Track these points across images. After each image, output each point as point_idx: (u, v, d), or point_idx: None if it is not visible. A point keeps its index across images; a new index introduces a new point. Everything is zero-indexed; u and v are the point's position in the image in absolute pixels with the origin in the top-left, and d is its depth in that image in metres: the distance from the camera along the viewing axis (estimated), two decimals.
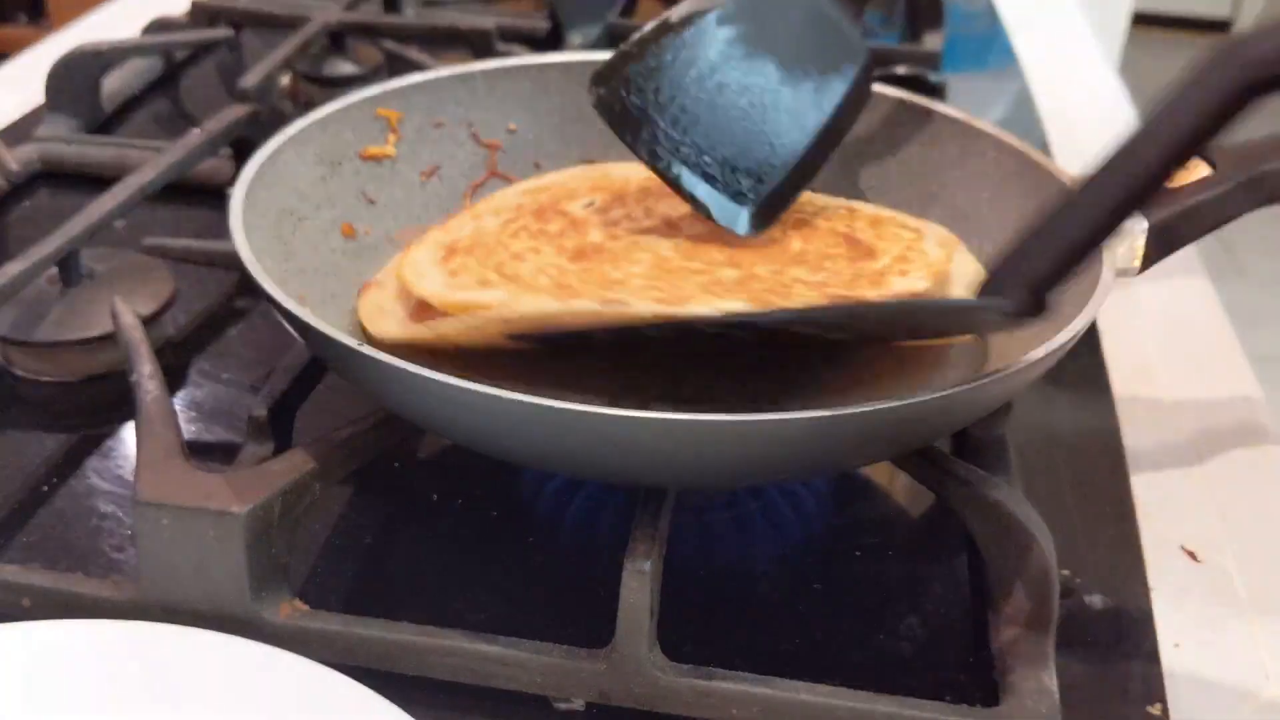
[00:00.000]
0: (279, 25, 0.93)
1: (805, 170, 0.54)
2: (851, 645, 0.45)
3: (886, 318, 0.45)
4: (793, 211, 0.55)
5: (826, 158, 0.55)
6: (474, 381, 0.39)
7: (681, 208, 0.55)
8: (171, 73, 0.93)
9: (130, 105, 0.88)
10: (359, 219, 0.57)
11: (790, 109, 0.53)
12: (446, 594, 0.47)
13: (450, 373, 0.40)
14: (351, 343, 0.42)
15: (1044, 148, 0.85)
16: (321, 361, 0.51)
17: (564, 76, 0.64)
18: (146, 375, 0.48)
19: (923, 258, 0.51)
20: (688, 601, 0.46)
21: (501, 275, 0.49)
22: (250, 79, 0.77)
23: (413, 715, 0.38)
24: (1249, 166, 0.52)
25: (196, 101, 0.90)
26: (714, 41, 0.53)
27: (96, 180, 0.74)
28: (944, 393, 0.40)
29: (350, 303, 0.53)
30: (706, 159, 0.53)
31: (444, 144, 0.62)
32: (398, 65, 0.85)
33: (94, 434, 0.55)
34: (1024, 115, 0.93)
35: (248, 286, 0.64)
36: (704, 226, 0.54)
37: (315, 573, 0.48)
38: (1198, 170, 0.52)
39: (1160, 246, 0.52)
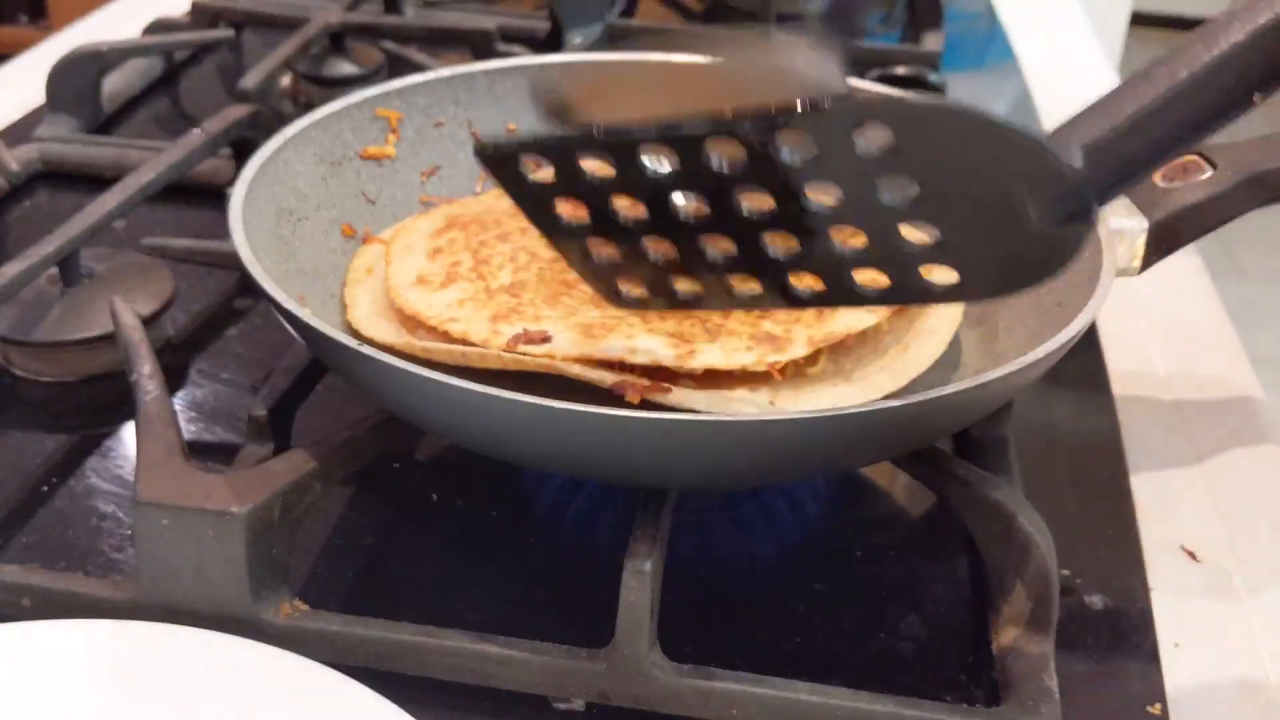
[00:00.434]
0: (279, 25, 0.93)
1: None
2: (851, 645, 0.45)
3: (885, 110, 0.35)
4: None
5: None
6: (474, 382, 0.39)
7: None
8: (171, 73, 0.93)
9: (130, 105, 0.88)
10: (359, 219, 0.57)
11: None
12: (446, 594, 0.47)
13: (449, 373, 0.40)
14: (351, 343, 0.42)
15: None
16: (321, 362, 0.51)
17: (564, 76, 0.64)
18: (146, 375, 0.48)
19: None
20: (688, 601, 0.46)
21: (475, 259, 0.51)
22: (250, 79, 0.77)
23: (413, 715, 0.38)
24: (1249, 166, 0.52)
25: (196, 101, 0.90)
26: None
27: (96, 180, 0.74)
28: (944, 393, 0.40)
29: None
30: None
31: (444, 144, 0.62)
32: (398, 65, 0.85)
33: (94, 434, 0.55)
34: (1023, 114, 0.93)
35: (248, 286, 0.64)
36: None
37: (315, 573, 0.48)
38: (1198, 170, 0.52)
39: (1160, 246, 0.52)
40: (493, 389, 0.39)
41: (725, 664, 0.42)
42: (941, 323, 0.52)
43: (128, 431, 0.55)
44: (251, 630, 0.42)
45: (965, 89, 0.93)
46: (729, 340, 0.46)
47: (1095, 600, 0.47)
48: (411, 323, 0.50)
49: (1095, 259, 0.49)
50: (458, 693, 0.43)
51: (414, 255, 0.53)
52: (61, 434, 0.55)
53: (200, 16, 0.95)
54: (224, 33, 0.94)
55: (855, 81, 0.58)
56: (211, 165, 0.74)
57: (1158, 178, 0.53)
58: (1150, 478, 0.55)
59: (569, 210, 0.40)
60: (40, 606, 0.44)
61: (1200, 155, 0.53)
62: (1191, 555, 0.51)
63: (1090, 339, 0.64)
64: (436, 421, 0.44)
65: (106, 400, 0.57)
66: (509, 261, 0.51)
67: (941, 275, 0.37)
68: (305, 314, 0.43)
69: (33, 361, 0.58)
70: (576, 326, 0.46)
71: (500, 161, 0.39)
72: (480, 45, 0.89)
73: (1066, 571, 0.48)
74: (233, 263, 0.48)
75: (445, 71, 0.63)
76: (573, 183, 0.39)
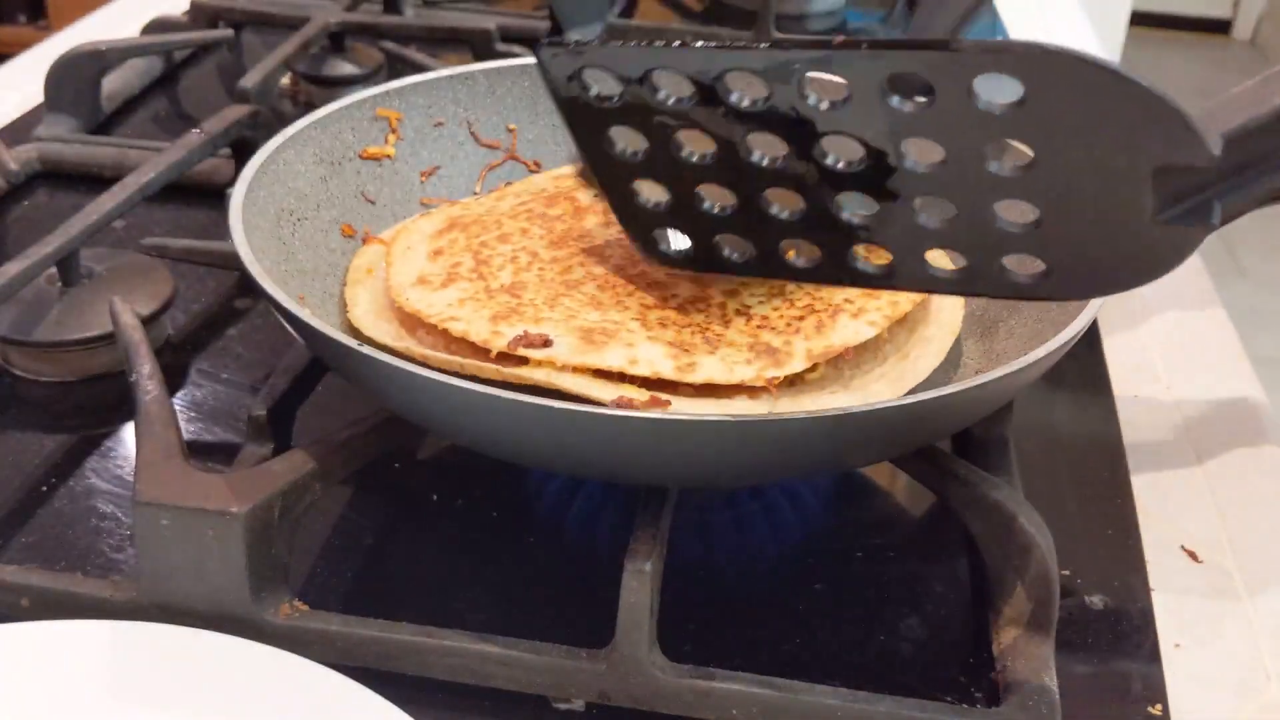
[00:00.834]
0: (279, 25, 0.93)
1: None
2: (851, 645, 0.45)
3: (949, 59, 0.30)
4: None
5: None
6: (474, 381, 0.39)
7: None
8: (171, 73, 0.93)
9: (130, 105, 0.88)
10: (359, 219, 0.57)
11: None
12: (446, 594, 0.47)
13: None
14: (351, 343, 0.42)
15: None
16: (321, 361, 0.51)
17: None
18: (146, 375, 0.48)
19: (890, 296, 0.50)
20: (688, 601, 0.46)
21: (476, 260, 0.51)
22: (250, 79, 0.77)
23: (413, 715, 0.38)
24: None
25: (196, 101, 0.90)
26: None
27: (96, 180, 0.74)
28: (944, 393, 0.40)
29: None
30: None
31: (444, 144, 0.62)
32: (398, 65, 0.85)
33: (94, 434, 0.55)
34: None
35: (248, 286, 0.64)
36: None
37: (315, 573, 0.47)
38: None
39: None
40: (493, 389, 0.39)
41: (725, 664, 0.42)
42: (941, 331, 0.52)
43: (127, 431, 0.55)
44: (251, 630, 0.42)
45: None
46: (729, 351, 0.46)
47: (1095, 600, 0.47)
48: (411, 323, 0.50)
49: None
50: (458, 693, 0.42)
51: (414, 256, 0.53)
52: (61, 434, 0.55)
53: (199, 16, 0.95)
54: (223, 32, 0.94)
55: None
56: (211, 165, 0.74)
57: None
58: (1150, 478, 0.55)
59: (626, 139, 0.36)
60: (40, 607, 0.44)
61: None
62: (1192, 555, 0.51)
63: (1090, 339, 0.64)
64: (437, 421, 0.44)
65: (106, 400, 0.57)
66: (510, 262, 0.51)
67: (1025, 265, 0.34)
68: (305, 314, 0.43)
69: (32, 361, 0.58)
70: (577, 330, 0.46)
71: (559, 67, 0.35)
72: (480, 45, 0.89)
73: (1067, 572, 0.48)
74: (233, 263, 0.48)
75: (445, 71, 0.63)
76: (639, 107, 0.34)
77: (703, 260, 0.39)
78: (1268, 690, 0.45)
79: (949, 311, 0.53)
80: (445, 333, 0.48)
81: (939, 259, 0.35)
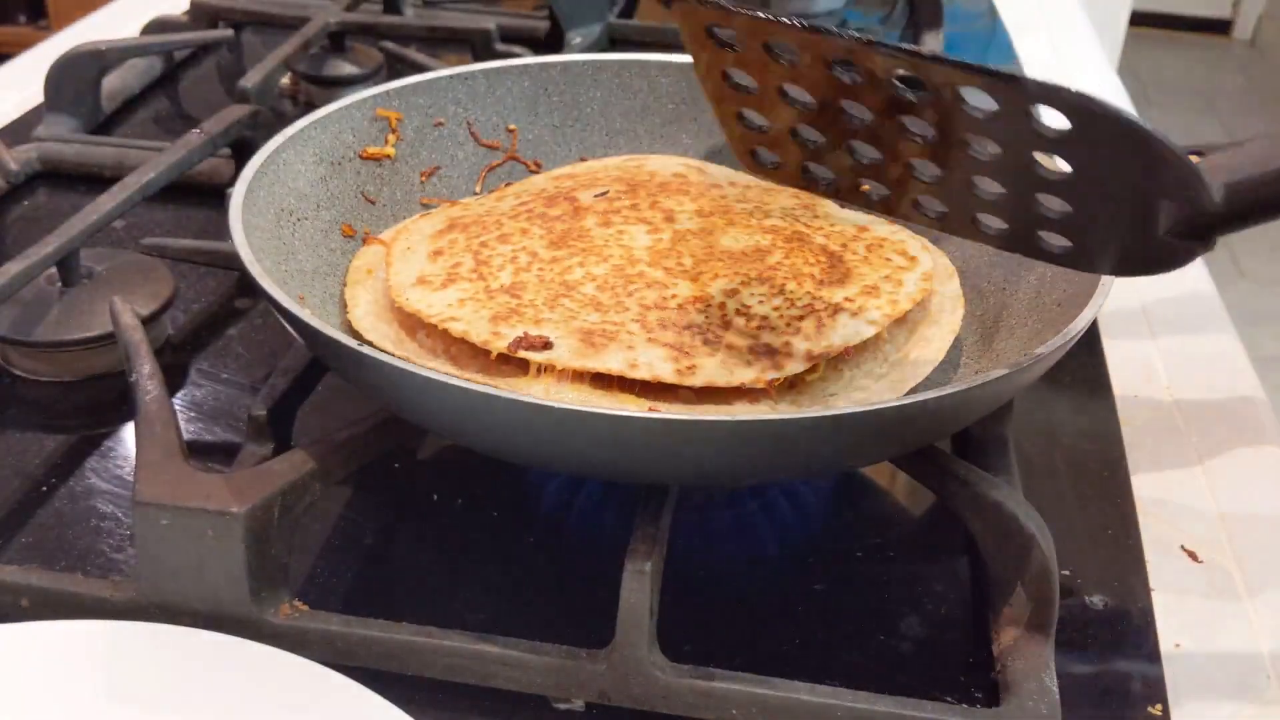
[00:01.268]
0: (279, 25, 0.93)
1: None
2: (851, 645, 0.45)
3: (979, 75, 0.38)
4: (800, 220, 0.55)
5: None
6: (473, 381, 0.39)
7: (686, 202, 0.55)
8: (171, 73, 0.93)
9: (130, 105, 0.88)
10: (359, 219, 0.57)
11: None
12: (446, 594, 0.47)
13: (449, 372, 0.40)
14: (351, 343, 0.42)
15: None
16: (321, 361, 0.51)
17: (564, 76, 0.64)
18: (146, 375, 0.48)
19: (890, 295, 0.50)
20: (688, 601, 0.46)
21: (476, 260, 0.51)
22: (250, 79, 0.77)
23: (413, 715, 0.38)
24: None
25: (196, 101, 0.90)
26: None
27: (96, 180, 0.74)
28: (944, 393, 0.40)
29: None
30: None
31: (444, 144, 0.62)
32: (398, 65, 0.85)
33: (94, 434, 0.55)
34: None
35: (248, 286, 0.64)
36: (701, 221, 0.54)
37: (315, 573, 0.47)
38: None
39: None
40: (493, 389, 0.39)
41: (725, 664, 0.42)
42: (941, 331, 0.52)
43: (128, 431, 0.55)
44: (251, 630, 0.42)
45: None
46: (728, 354, 0.46)
47: (1095, 600, 0.47)
48: (411, 323, 0.50)
49: None
50: (458, 693, 0.42)
51: (415, 256, 0.53)
52: (61, 434, 0.55)
53: (199, 16, 0.95)
54: (223, 32, 0.94)
55: None
56: (211, 165, 0.74)
57: None
58: (1150, 478, 0.55)
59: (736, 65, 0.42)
60: (39, 607, 0.44)
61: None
62: (1192, 555, 0.51)
63: (1090, 339, 0.64)
64: (437, 421, 0.44)
65: (106, 400, 0.57)
66: (510, 263, 0.51)
67: (1056, 240, 0.41)
68: (305, 314, 0.43)
69: (33, 361, 0.58)
70: (577, 332, 0.46)
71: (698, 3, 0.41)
72: (480, 45, 0.89)
73: (1067, 571, 0.48)
74: (233, 263, 0.48)
75: (445, 71, 0.63)
76: (757, 58, 0.41)
77: (791, 179, 0.45)
78: (1268, 690, 0.45)
79: (949, 312, 0.53)
80: (445, 333, 0.48)
81: (987, 218, 0.42)
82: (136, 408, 0.46)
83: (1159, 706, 0.43)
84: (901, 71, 0.39)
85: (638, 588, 0.40)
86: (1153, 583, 0.49)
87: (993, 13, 1.15)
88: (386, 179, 0.59)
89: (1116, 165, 0.38)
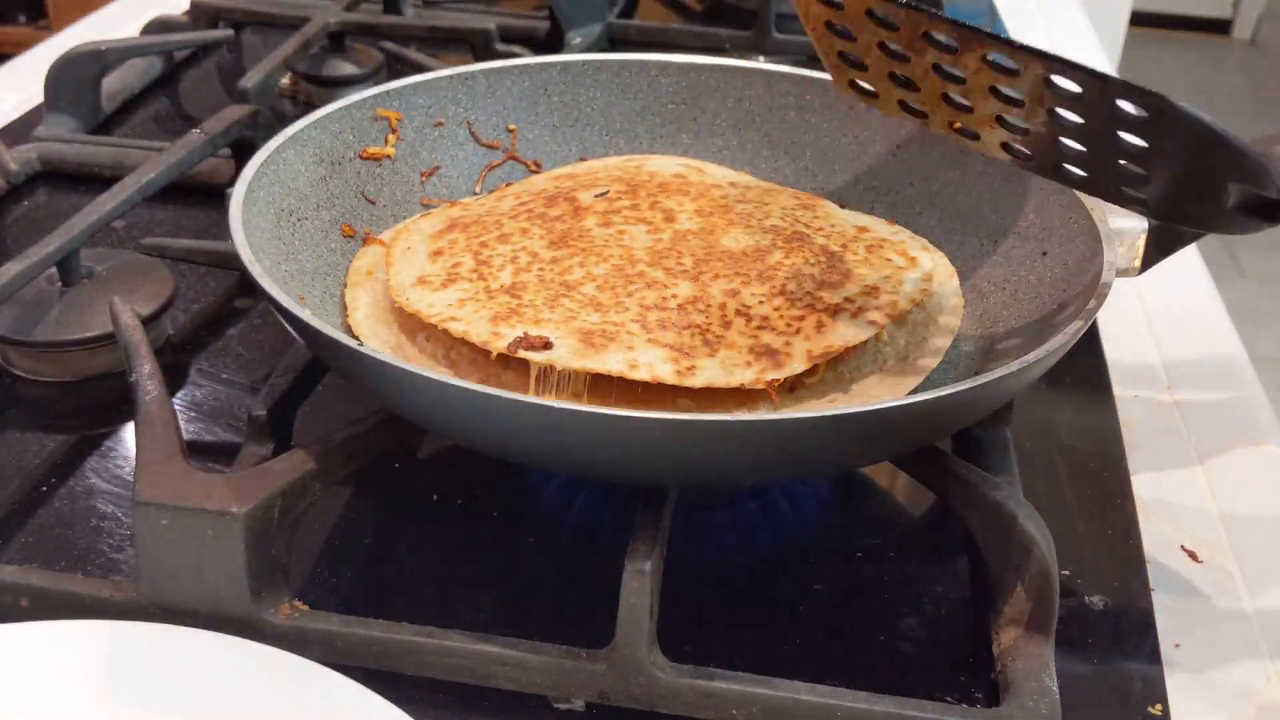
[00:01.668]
0: (279, 25, 0.93)
1: None
2: (851, 645, 0.45)
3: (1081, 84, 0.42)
4: (800, 220, 0.55)
5: None
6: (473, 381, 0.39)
7: (686, 202, 0.55)
8: (171, 73, 0.93)
9: (130, 105, 0.88)
10: (359, 219, 0.57)
11: None
12: (446, 594, 0.47)
13: (448, 372, 0.40)
14: (352, 343, 0.42)
15: None
16: (321, 361, 0.51)
17: (564, 76, 0.64)
18: (146, 375, 0.48)
19: (890, 296, 0.50)
20: (688, 601, 0.46)
21: (476, 260, 0.51)
22: (250, 79, 0.77)
23: (412, 715, 0.38)
24: None
25: (196, 101, 0.90)
26: None
27: (96, 180, 0.74)
28: (944, 393, 0.40)
29: None
30: None
31: (444, 144, 0.62)
32: (398, 65, 0.85)
33: (94, 434, 0.55)
34: None
35: (248, 286, 0.64)
36: (701, 221, 0.54)
37: (315, 573, 0.47)
38: None
39: (1160, 247, 0.52)
40: (493, 389, 0.39)
41: (725, 664, 0.42)
42: (941, 331, 0.52)
43: (128, 431, 0.55)
44: (251, 631, 0.42)
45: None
46: (729, 354, 0.46)
47: (1096, 600, 0.47)
48: (411, 324, 0.50)
49: (1096, 259, 0.49)
50: (458, 693, 0.42)
51: (415, 257, 0.53)
52: (61, 434, 0.55)
53: (199, 16, 0.95)
54: (223, 33, 0.94)
55: None
56: (211, 165, 0.74)
57: None
58: (1150, 478, 0.55)
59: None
60: (39, 607, 0.44)
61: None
62: (1192, 555, 0.51)
63: (1090, 339, 0.64)
64: (437, 421, 0.44)
65: (106, 400, 0.57)
66: (510, 263, 0.51)
67: (1130, 195, 0.45)
68: (305, 314, 0.43)
69: (33, 361, 0.58)
70: (577, 332, 0.46)
71: None
72: (480, 45, 0.89)
73: (1067, 572, 0.48)
74: (233, 263, 0.48)
75: (445, 71, 0.63)
76: (860, 16, 0.44)
77: (886, 107, 0.47)
78: (1268, 691, 0.45)
79: (948, 312, 0.53)
80: (445, 339, 0.48)
81: (1070, 168, 0.45)
82: (136, 408, 0.46)
83: (1159, 706, 0.43)
84: (994, 57, 0.42)
85: (638, 588, 0.40)
86: (1153, 583, 0.49)
87: (993, 12, 1.15)
88: (386, 179, 0.59)
89: (1190, 153, 0.41)
